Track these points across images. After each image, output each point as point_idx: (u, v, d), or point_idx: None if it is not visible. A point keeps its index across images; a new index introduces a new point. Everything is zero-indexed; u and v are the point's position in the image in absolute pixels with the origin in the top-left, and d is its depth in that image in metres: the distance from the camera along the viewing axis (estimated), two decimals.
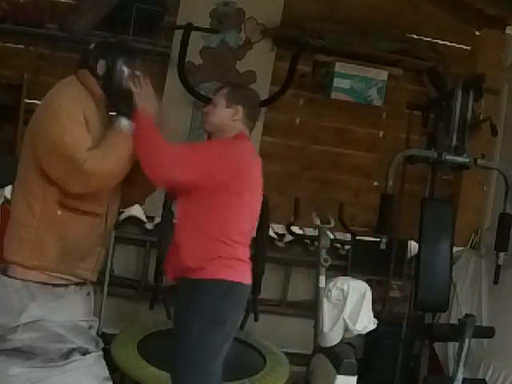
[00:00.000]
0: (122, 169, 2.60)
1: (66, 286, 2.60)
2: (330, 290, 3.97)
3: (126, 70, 2.70)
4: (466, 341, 4.03)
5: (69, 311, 2.59)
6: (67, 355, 2.56)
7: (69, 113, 2.52)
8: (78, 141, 2.49)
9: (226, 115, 2.93)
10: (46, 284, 2.56)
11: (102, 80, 2.67)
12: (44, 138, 2.52)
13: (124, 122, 2.64)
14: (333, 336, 3.92)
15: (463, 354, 4.04)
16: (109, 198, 2.69)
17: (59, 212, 2.55)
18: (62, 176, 2.51)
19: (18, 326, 2.50)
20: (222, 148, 2.86)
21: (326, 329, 3.95)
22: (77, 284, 2.65)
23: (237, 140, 2.91)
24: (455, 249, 4.74)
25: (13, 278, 2.55)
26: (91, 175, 2.48)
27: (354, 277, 4.25)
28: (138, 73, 2.72)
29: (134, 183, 2.75)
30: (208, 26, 5.06)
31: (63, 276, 2.58)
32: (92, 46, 2.76)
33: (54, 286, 2.57)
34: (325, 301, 3.98)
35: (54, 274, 2.55)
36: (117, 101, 2.68)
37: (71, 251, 2.56)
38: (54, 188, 2.54)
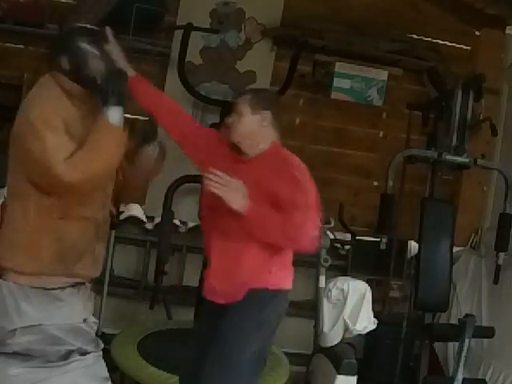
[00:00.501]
0: (108, 167, 2.54)
1: (62, 288, 2.59)
2: (329, 290, 3.97)
3: (89, 49, 2.60)
4: (466, 341, 4.03)
5: (67, 313, 2.57)
6: (66, 357, 2.55)
7: (45, 122, 2.43)
8: (54, 153, 2.40)
9: (254, 122, 2.84)
10: (41, 288, 2.54)
11: (71, 74, 2.59)
12: (25, 152, 2.46)
13: (108, 112, 2.51)
14: (333, 336, 3.93)
15: (463, 354, 4.03)
16: (101, 195, 2.68)
17: (52, 217, 2.51)
18: (45, 187, 2.48)
19: (16, 329, 2.49)
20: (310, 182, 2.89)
21: (326, 329, 3.95)
22: (74, 285, 2.63)
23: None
24: (455, 249, 4.73)
25: (8, 281, 2.53)
26: (73, 185, 2.42)
27: (354, 277, 4.26)
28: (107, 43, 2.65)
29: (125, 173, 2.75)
30: (208, 26, 5.06)
31: (60, 278, 2.56)
32: (52, 41, 2.73)
33: (50, 289, 2.56)
34: (325, 301, 3.98)
35: (51, 277, 2.54)
36: (95, 89, 2.57)
37: (68, 252, 2.54)
38: (45, 194, 2.51)
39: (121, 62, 2.76)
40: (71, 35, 2.65)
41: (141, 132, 2.67)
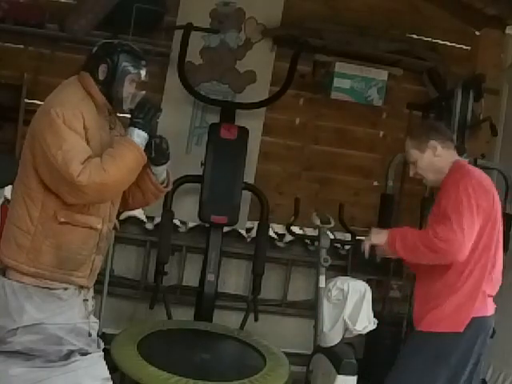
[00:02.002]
0: (122, 181, 2.53)
1: (65, 288, 2.59)
2: (329, 290, 3.96)
3: (128, 71, 2.60)
4: None
5: (68, 313, 2.57)
6: (67, 357, 2.55)
7: (66, 122, 2.45)
8: (71, 154, 2.41)
9: (428, 159, 3.01)
10: (43, 288, 2.54)
11: (103, 85, 2.59)
12: (40, 148, 2.47)
13: (135, 134, 2.55)
14: (333, 336, 3.92)
15: None
16: (107, 206, 2.66)
17: (57, 221, 2.51)
18: (55, 187, 2.48)
19: (18, 328, 2.49)
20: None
21: (325, 329, 3.94)
22: (75, 288, 2.64)
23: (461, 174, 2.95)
24: None
25: (11, 279, 2.54)
26: (84, 189, 2.42)
27: (353, 277, 4.25)
28: (142, 76, 2.64)
29: (128, 197, 2.74)
30: (208, 26, 5.06)
31: (59, 283, 2.57)
32: (95, 47, 2.68)
33: (52, 289, 2.56)
34: (325, 301, 3.97)
35: (50, 281, 2.54)
36: (119, 109, 2.63)
37: (66, 260, 2.54)
38: (52, 196, 2.50)
39: None
40: (119, 49, 2.64)
41: (132, 113, 2.65)
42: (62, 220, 2.51)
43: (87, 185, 2.41)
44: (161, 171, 2.69)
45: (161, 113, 2.65)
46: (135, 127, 2.56)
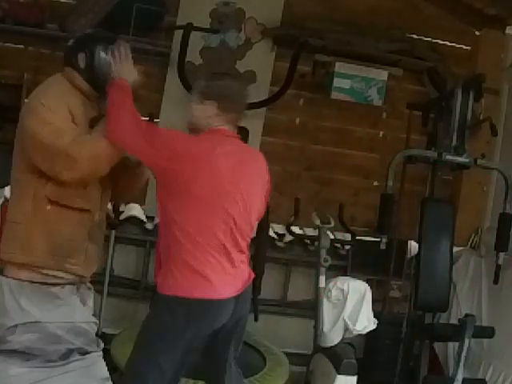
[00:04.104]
0: (111, 154, 2.58)
1: (62, 285, 2.60)
2: (329, 290, 3.97)
3: (106, 56, 2.70)
4: (466, 341, 4.03)
5: (67, 312, 2.58)
6: (66, 356, 2.55)
7: (51, 109, 2.53)
8: (60, 130, 2.50)
9: (199, 112, 2.78)
10: (39, 283, 2.55)
11: (85, 73, 2.68)
12: (29, 136, 2.54)
13: None
14: (333, 336, 3.93)
15: (463, 354, 4.04)
16: (98, 192, 2.70)
17: (48, 208, 2.56)
18: (49, 165, 2.52)
19: (16, 326, 2.50)
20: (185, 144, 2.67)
21: (325, 329, 3.95)
22: (73, 284, 2.64)
23: (205, 137, 2.73)
24: (455, 249, 4.73)
25: (9, 277, 2.55)
26: (76, 158, 2.48)
27: (353, 277, 4.26)
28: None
29: (122, 175, 2.78)
30: (208, 26, 5.06)
31: (53, 273, 2.57)
32: (70, 41, 2.78)
33: (49, 285, 2.57)
34: (325, 301, 3.98)
35: (44, 270, 2.55)
36: (103, 93, 2.68)
37: (58, 246, 2.57)
38: (43, 185, 2.56)
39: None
40: (93, 37, 2.75)
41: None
42: (53, 206, 2.56)
43: (78, 154, 2.48)
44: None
45: None
46: None
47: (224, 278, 2.66)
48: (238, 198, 2.69)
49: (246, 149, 2.93)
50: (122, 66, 2.69)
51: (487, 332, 4.30)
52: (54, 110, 2.53)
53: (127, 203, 4.83)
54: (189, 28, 4.82)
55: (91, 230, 2.67)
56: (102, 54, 2.70)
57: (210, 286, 2.61)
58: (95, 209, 2.69)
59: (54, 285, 2.58)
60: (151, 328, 2.67)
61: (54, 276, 2.58)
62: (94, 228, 2.69)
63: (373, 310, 3.96)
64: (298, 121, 5.43)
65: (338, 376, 3.71)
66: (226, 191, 2.66)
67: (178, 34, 4.90)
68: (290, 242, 5.27)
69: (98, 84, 2.69)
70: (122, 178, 2.80)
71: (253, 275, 2.87)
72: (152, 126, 2.82)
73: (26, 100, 4.60)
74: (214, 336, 2.72)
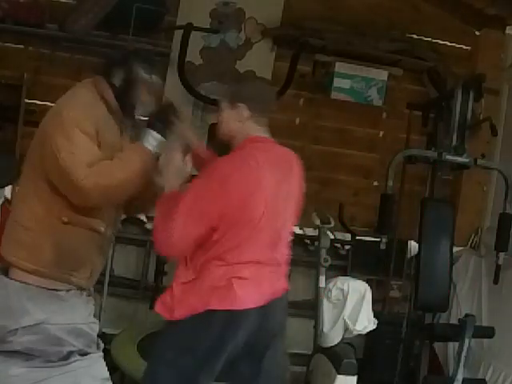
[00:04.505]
0: (128, 185, 2.51)
1: (67, 290, 2.59)
2: (329, 290, 3.97)
3: (143, 79, 2.60)
4: (466, 341, 4.03)
5: (69, 314, 2.57)
6: (67, 357, 2.55)
7: (77, 124, 2.44)
8: (79, 157, 2.40)
9: (231, 118, 2.67)
10: (45, 288, 2.54)
11: (117, 90, 2.59)
12: (50, 149, 2.45)
13: (150, 135, 2.53)
14: (333, 336, 3.92)
15: (463, 354, 4.04)
16: (112, 211, 2.66)
17: (60, 220, 2.50)
18: (63, 188, 2.47)
19: (18, 328, 2.49)
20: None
21: (325, 329, 3.95)
22: (77, 288, 2.64)
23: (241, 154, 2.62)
24: (455, 249, 4.74)
25: (13, 279, 2.54)
26: (88, 193, 2.41)
27: (353, 277, 4.26)
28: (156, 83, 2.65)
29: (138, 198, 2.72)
30: (208, 26, 5.06)
31: (59, 283, 2.56)
32: (114, 53, 2.71)
33: (55, 290, 2.56)
34: (325, 301, 3.98)
35: (50, 280, 2.54)
36: (129, 116, 2.62)
37: (66, 260, 2.54)
38: (59, 196, 2.49)
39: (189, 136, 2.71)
40: (136, 57, 2.64)
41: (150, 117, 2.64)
42: (66, 220, 2.51)
43: (92, 188, 2.40)
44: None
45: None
46: (152, 129, 2.54)
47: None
48: (278, 210, 2.61)
49: (283, 156, 2.84)
50: (167, 173, 2.52)
51: (487, 332, 4.30)
52: (81, 127, 2.44)
53: None
54: (189, 28, 4.82)
55: (103, 244, 2.66)
56: (142, 76, 2.59)
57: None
58: (109, 227, 2.65)
59: (60, 290, 2.58)
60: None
61: (59, 284, 2.57)
62: (105, 242, 2.68)
63: (373, 310, 3.96)
64: (297, 121, 5.43)
65: (338, 376, 3.71)
66: (268, 206, 2.56)
67: (178, 34, 4.91)
68: (290, 241, 5.26)
69: (126, 104, 2.60)
70: (141, 196, 2.75)
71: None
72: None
73: (25, 100, 4.64)
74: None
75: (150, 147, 2.53)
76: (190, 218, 2.46)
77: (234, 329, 2.50)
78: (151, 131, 2.54)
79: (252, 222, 2.52)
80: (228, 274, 2.49)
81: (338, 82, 5.13)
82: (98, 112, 2.54)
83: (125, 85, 2.59)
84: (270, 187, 2.57)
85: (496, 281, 4.52)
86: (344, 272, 5.09)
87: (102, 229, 2.60)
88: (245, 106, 2.65)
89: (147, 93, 2.63)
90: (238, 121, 2.67)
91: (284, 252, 2.74)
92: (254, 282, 2.54)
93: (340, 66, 5.12)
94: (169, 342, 2.60)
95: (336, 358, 3.80)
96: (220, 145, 2.79)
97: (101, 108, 2.56)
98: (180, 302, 2.56)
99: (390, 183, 4.35)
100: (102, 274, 4.39)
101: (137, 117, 2.63)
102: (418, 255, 4.55)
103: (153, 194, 2.69)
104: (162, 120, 2.57)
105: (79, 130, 2.43)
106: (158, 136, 2.54)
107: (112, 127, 2.59)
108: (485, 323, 4.55)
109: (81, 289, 2.64)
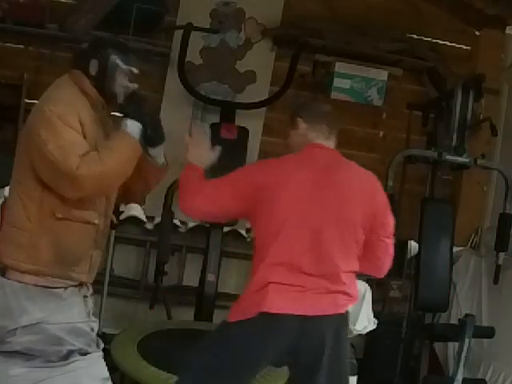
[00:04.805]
0: (120, 173, 2.54)
1: (65, 287, 2.59)
2: None
3: (118, 66, 2.62)
4: (466, 341, 4.03)
5: (68, 313, 2.57)
6: (66, 357, 2.55)
7: (61, 118, 2.45)
8: (68, 148, 2.41)
9: (295, 136, 2.95)
10: (43, 286, 2.54)
11: (96, 80, 2.61)
12: (36, 145, 2.46)
13: (128, 125, 2.56)
14: None
15: (463, 354, 4.03)
16: (104, 201, 2.67)
17: (54, 217, 2.51)
18: (54, 182, 2.47)
19: (17, 328, 2.49)
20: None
21: None
22: (75, 285, 2.64)
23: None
24: (455, 249, 4.74)
25: (11, 279, 2.54)
26: (83, 182, 2.41)
27: None
28: (134, 70, 2.67)
29: (130, 185, 2.74)
30: (208, 26, 5.06)
31: (59, 280, 2.57)
32: (84, 44, 2.71)
33: (53, 288, 2.56)
34: None
35: (50, 278, 2.54)
36: (121, 102, 2.64)
37: (65, 256, 2.54)
38: (49, 193, 2.50)
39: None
40: (109, 44, 2.67)
41: (121, 104, 2.66)
42: (60, 216, 2.52)
43: (87, 176, 2.41)
44: (159, 152, 2.71)
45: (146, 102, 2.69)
46: (127, 117, 2.58)
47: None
48: (312, 214, 2.61)
49: (341, 168, 2.92)
50: (195, 150, 2.76)
51: (487, 332, 4.30)
52: (64, 121, 2.45)
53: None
54: (189, 28, 4.82)
55: (97, 237, 2.66)
56: (115, 62, 2.62)
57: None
58: (101, 218, 2.66)
59: (58, 287, 2.58)
60: None
61: (58, 281, 2.57)
62: (100, 235, 2.68)
63: (373, 310, 3.96)
64: None
65: None
66: (305, 207, 2.61)
67: (178, 34, 4.90)
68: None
69: (106, 91, 2.63)
70: (134, 184, 2.76)
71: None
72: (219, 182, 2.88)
73: (25, 100, 4.64)
74: None
75: (134, 135, 2.56)
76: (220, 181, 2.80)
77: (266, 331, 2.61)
78: (127, 119, 2.57)
79: (277, 216, 2.59)
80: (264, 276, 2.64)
81: (337, 82, 5.13)
82: (80, 105, 2.55)
83: (102, 72, 2.61)
84: (299, 189, 2.65)
85: (496, 281, 4.52)
86: None
87: (96, 220, 2.61)
88: (300, 119, 2.89)
89: (124, 75, 2.64)
90: (300, 135, 2.91)
91: (337, 269, 2.62)
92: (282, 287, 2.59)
93: (340, 66, 5.12)
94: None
95: None
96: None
97: (82, 101, 2.58)
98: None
99: (390, 183, 4.35)
100: (102, 274, 4.42)
101: (120, 103, 2.65)
102: (417, 255, 4.55)
103: (143, 182, 2.74)
104: (137, 107, 2.61)
105: (63, 123, 2.45)
106: (138, 124, 2.57)
107: (95, 119, 2.60)
108: (485, 323, 4.55)
109: (81, 284, 2.64)
